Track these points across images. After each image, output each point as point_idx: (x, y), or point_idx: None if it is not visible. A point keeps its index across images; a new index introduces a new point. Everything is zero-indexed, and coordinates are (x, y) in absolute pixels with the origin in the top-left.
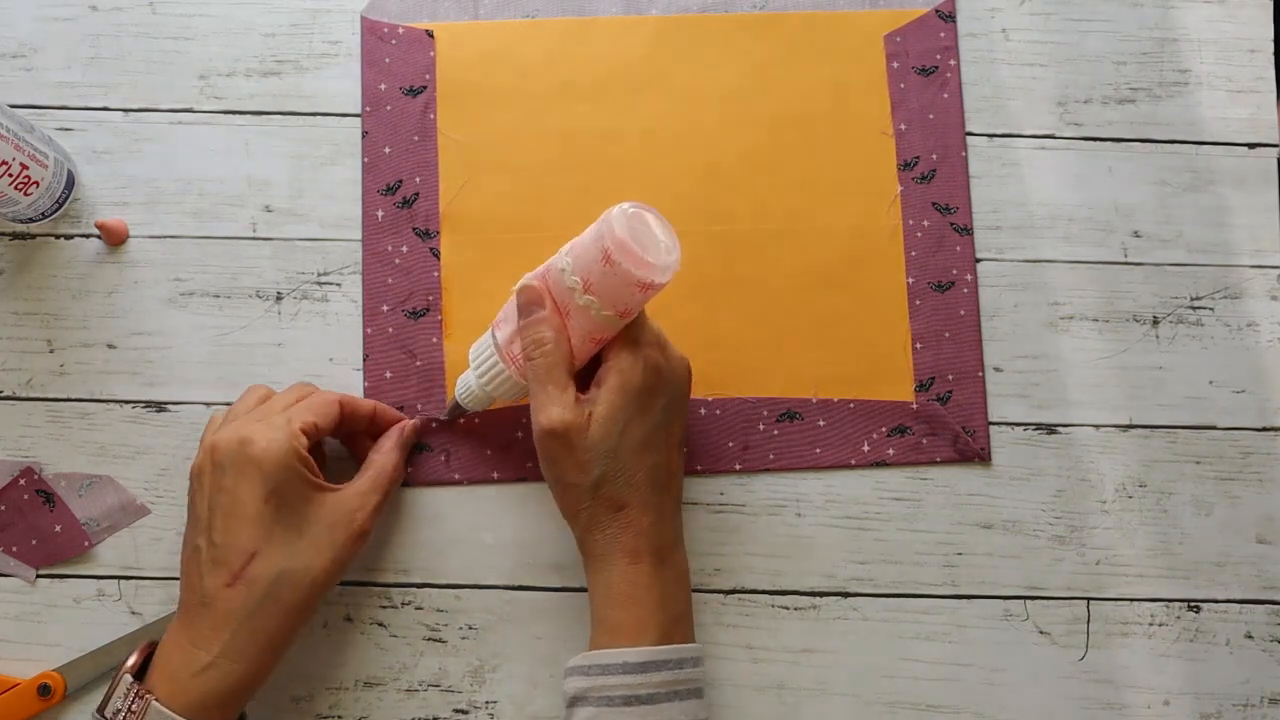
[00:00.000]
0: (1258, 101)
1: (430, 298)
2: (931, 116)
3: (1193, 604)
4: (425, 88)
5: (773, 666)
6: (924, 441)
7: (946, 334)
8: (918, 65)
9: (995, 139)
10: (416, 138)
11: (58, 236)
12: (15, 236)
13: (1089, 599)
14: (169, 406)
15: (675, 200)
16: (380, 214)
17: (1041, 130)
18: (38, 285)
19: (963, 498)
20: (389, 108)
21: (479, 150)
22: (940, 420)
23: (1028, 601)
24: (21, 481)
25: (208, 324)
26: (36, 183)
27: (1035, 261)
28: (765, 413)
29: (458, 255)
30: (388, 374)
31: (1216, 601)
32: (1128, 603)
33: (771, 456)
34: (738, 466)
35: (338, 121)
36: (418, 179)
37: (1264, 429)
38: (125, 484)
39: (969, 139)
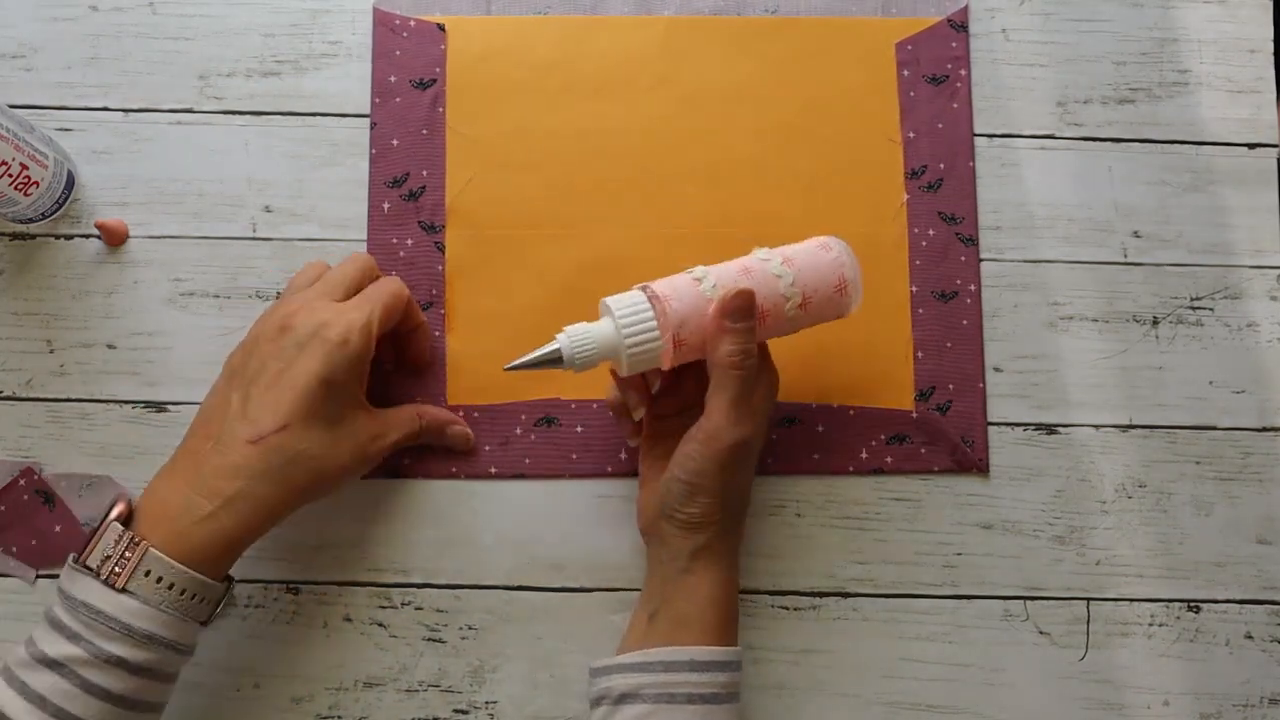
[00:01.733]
0: (1258, 101)
1: (434, 291)
2: (940, 125)
3: (1193, 604)
4: (435, 81)
5: (773, 666)
6: (922, 451)
7: (948, 344)
8: (928, 74)
9: (995, 139)
10: (425, 131)
11: (58, 236)
12: (15, 236)
13: (1089, 599)
14: (169, 406)
15: (680, 201)
16: (386, 206)
17: (1041, 130)
18: (38, 285)
19: (963, 498)
20: (398, 100)
21: (487, 145)
22: (939, 430)
23: (1028, 601)
24: (21, 481)
25: (208, 324)
26: (36, 183)
27: (1035, 261)
28: None
29: (463, 250)
30: (389, 366)
31: (1216, 601)
32: (1128, 603)
33: (769, 460)
34: None
35: (337, 121)
36: (425, 172)
37: (1264, 429)
38: (125, 484)
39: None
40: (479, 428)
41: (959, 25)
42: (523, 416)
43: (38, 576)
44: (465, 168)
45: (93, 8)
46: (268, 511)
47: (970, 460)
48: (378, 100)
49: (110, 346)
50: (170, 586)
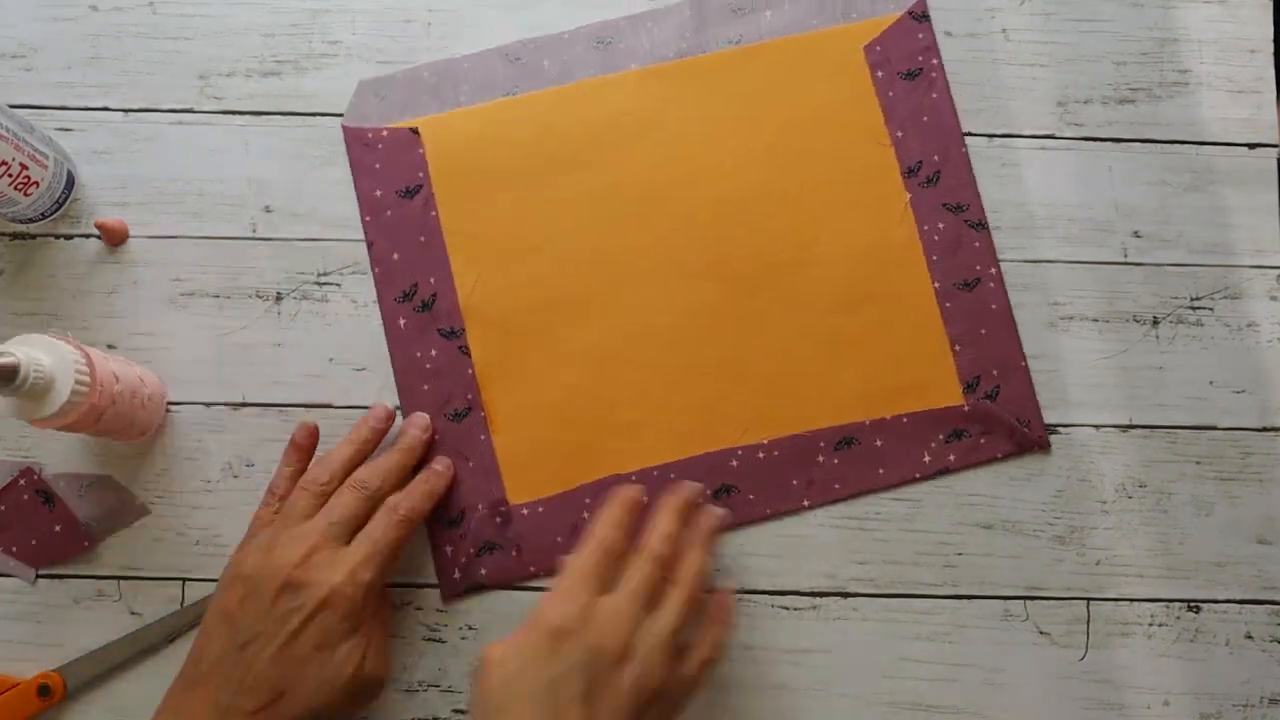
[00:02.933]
0: (1258, 101)
1: (469, 396)
2: (925, 119)
3: (1193, 604)
4: (421, 186)
5: (773, 666)
6: (982, 441)
7: (982, 330)
8: (902, 70)
9: (995, 139)
10: (422, 238)
11: (58, 236)
12: (15, 236)
13: (1089, 599)
14: (169, 406)
15: (686, 245)
16: (403, 322)
17: (1041, 130)
18: (38, 285)
19: (963, 498)
20: (389, 213)
21: (486, 238)
22: (994, 417)
23: (1028, 601)
24: (21, 481)
25: (208, 324)
26: (36, 183)
27: (1035, 261)
28: (822, 444)
29: (488, 348)
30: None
31: (1216, 601)
32: (1128, 603)
33: (837, 486)
34: (805, 503)
35: (337, 121)
36: (432, 279)
37: (1264, 429)
38: (125, 484)
39: (969, 139)
40: (546, 522)
41: (920, 15)
42: (587, 500)
43: (38, 576)
44: (471, 265)
45: (93, 8)
46: None
47: (1030, 439)
48: (369, 218)
49: (110, 346)
50: None
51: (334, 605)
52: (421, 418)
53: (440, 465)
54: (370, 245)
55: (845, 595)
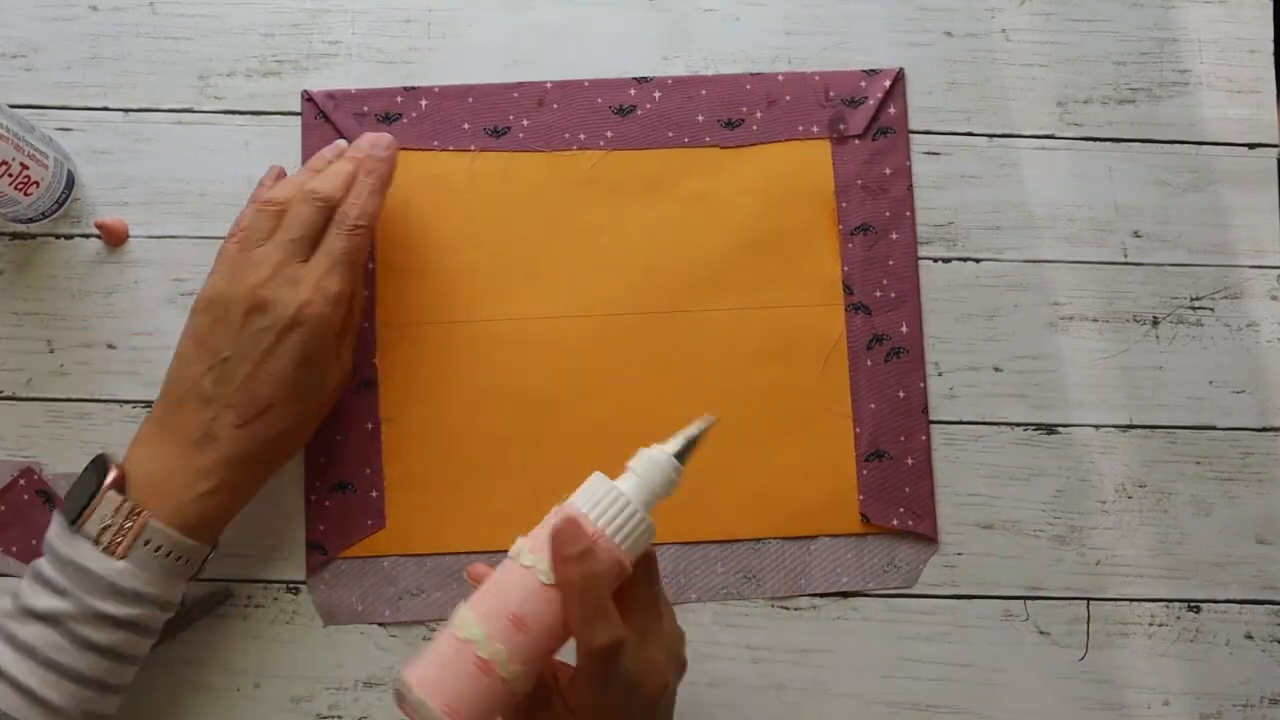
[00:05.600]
0: (1258, 101)
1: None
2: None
3: (1193, 604)
4: None
5: (773, 666)
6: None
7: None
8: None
9: (995, 139)
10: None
11: (58, 236)
12: (15, 236)
13: (1089, 599)
14: None
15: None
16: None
17: (1041, 130)
18: (38, 285)
19: (963, 498)
20: None
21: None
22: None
23: (1028, 601)
24: (21, 481)
25: None
26: (36, 183)
27: (1035, 261)
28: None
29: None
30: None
31: (1216, 601)
32: (1128, 603)
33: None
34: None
35: None
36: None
37: (1264, 429)
38: None
39: (969, 138)
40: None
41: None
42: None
43: None
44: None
45: (93, 8)
46: (258, 484)
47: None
48: None
49: (110, 346)
50: (168, 554)
51: (304, 321)
52: (381, 135)
53: (377, 148)
54: None
55: (845, 595)
